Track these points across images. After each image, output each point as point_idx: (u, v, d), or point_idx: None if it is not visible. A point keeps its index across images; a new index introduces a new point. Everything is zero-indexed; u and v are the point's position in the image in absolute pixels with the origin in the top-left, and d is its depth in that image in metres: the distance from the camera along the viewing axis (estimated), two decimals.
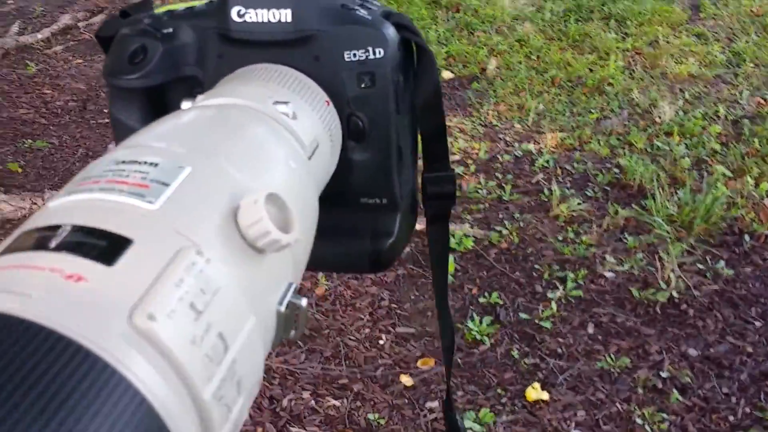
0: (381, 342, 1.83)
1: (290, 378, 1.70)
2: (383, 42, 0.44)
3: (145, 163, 0.29)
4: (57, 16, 3.39)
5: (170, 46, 0.47)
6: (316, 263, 0.42)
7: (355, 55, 0.44)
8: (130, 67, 0.47)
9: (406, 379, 1.73)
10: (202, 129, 0.35)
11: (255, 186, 0.31)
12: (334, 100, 0.44)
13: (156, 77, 0.47)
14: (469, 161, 2.49)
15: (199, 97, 0.40)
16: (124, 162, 0.29)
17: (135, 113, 0.48)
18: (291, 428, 1.60)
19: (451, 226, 2.15)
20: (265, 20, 0.44)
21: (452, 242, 2.10)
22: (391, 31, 0.45)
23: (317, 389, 1.69)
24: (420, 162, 0.49)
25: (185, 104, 0.42)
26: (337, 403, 1.66)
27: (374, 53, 0.44)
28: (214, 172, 0.30)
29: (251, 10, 0.45)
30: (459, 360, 1.79)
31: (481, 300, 1.96)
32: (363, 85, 0.44)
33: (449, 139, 2.53)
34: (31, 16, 3.42)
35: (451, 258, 2.03)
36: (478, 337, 1.85)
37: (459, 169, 2.42)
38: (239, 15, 0.45)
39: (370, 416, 1.64)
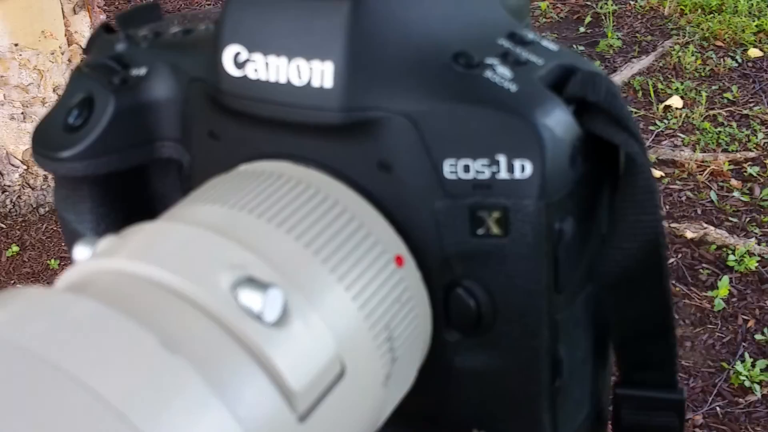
0: None
1: None
2: (531, 144, 0.21)
3: None
4: None
5: (130, 102, 0.26)
6: None
7: (466, 168, 0.22)
8: (65, 136, 0.26)
9: None
10: None
11: None
12: (418, 254, 0.23)
13: (101, 161, 0.26)
14: None
15: (104, 242, 0.20)
16: None
17: (85, 214, 0.28)
18: None
19: (732, 240, 1.81)
20: (283, 80, 0.22)
21: (731, 260, 1.75)
22: (556, 120, 0.21)
23: None
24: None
25: (78, 251, 0.20)
26: None
27: (509, 169, 0.21)
28: None
29: (257, 57, 0.23)
30: (718, 408, 1.47)
31: (758, 337, 1.61)
32: (481, 232, 0.22)
33: (744, 132, 2.15)
34: None
35: (725, 279, 1.69)
36: (747, 383, 1.51)
37: (753, 170, 2.03)
38: (237, 63, 0.23)
39: None
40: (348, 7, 0.22)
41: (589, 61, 0.24)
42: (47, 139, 0.27)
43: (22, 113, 1.89)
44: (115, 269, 0.18)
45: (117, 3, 2.76)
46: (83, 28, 1.99)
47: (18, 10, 1.82)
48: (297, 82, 0.22)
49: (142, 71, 0.26)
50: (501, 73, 0.22)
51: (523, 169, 0.21)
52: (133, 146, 0.27)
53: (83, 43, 1.97)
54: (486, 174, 0.22)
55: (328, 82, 0.22)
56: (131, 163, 0.27)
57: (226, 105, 0.24)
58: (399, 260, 0.22)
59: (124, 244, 0.19)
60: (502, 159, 0.21)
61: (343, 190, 0.22)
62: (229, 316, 0.17)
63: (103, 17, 2.07)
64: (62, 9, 1.90)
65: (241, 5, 0.23)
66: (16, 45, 1.84)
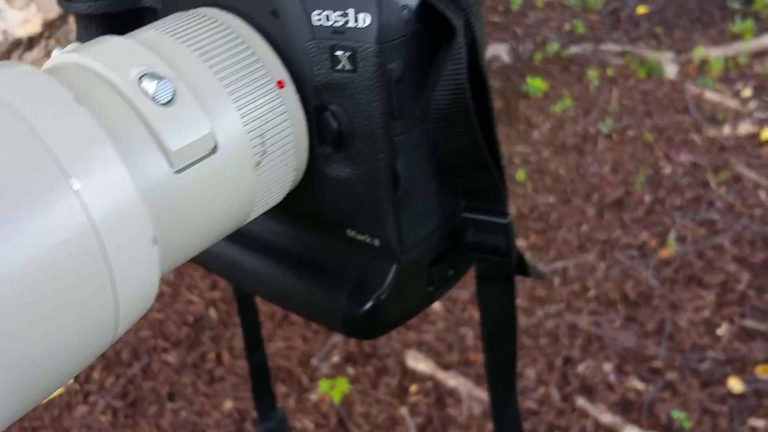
0: (719, 331, 1.54)
1: (595, 343, 1.50)
2: (369, 3, 0.28)
3: None
4: None
5: None
6: (286, 301, 0.35)
7: (327, 17, 0.29)
8: None
9: (734, 383, 1.44)
10: None
11: None
12: (297, 81, 0.30)
13: (98, 3, 0.35)
14: None
15: (69, 47, 0.29)
16: None
17: None
18: (577, 398, 1.41)
19: None
20: None
21: None
22: None
23: (622, 365, 1.47)
24: None
25: (54, 52, 0.29)
26: (640, 386, 1.43)
27: (355, 20, 0.29)
28: None
29: None
30: None
31: None
32: (339, 67, 0.29)
33: None
34: None
35: None
36: None
37: None
38: None
39: (675, 414, 1.39)
40: None
41: None
42: None
43: None
44: (69, 61, 0.27)
45: None
46: None
47: None
48: None
49: None
50: None
51: (365, 20, 0.28)
52: None
53: None
54: (341, 22, 0.29)
55: None
56: (121, 7, 0.35)
57: None
58: (280, 84, 0.29)
59: (81, 47, 0.28)
60: (351, 12, 0.28)
61: (248, 29, 0.30)
62: (131, 94, 0.26)
63: None
64: None
65: None
66: None
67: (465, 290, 1.58)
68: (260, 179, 0.29)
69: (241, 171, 0.28)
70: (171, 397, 1.45)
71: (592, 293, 1.60)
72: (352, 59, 0.29)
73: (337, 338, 1.49)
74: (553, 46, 2.26)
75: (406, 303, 0.33)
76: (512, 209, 1.77)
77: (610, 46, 2.24)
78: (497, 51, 2.23)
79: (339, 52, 0.29)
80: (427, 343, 1.49)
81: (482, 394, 1.42)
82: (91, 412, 1.44)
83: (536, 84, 2.09)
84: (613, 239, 1.70)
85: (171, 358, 1.51)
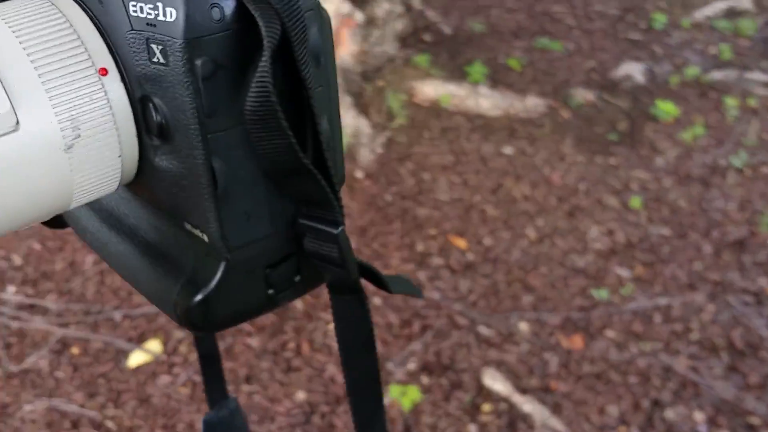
0: None
1: (689, 389, 1.41)
2: None
3: None
4: None
5: None
6: (137, 285, 0.36)
7: (141, 9, 0.29)
8: None
9: None
10: None
11: None
12: (121, 71, 0.30)
13: None
14: None
15: None
16: None
17: None
18: None
19: None
20: None
21: None
22: None
23: (716, 416, 1.37)
24: None
25: None
26: None
27: (164, 13, 0.29)
28: None
29: None
30: None
31: None
32: (155, 60, 0.29)
33: None
34: None
35: None
36: None
37: None
38: None
39: None
40: None
41: None
42: None
43: None
44: None
45: None
46: None
47: None
48: None
49: None
50: None
51: (172, 14, 0.28)
52: None
53: None
54: (152, 15, 0.29)
55: None
56: None
57: None
58: (103, 71, 0.29)
59: None
60: (160, 5, 0.28)
61: (80, 15, 0.30)
62: None
63: None
64: None
65: None
66: None
67: (555, 315, 1.52)
68: (73, 163, 0.29)
69: (47, 152, 0.28)
70: (248, 379, 1.46)
71: (694, 336, 1.50)
72: (164, 53, 0.29)
73: (416, 346, 1.46)
74: (693, 70, 2.13)
75: (240, 302, 0.33)
76: (621, 237, 1.68)
77: (757, 75, 2.10)
78: (630, 70, 2.14)
79: (153, 45, 0.29)
80: (507, 363, 1.44)
81: (558, 424, 1.35)
82: (173, 383, 1.47)
83: (667, 108, 1.98)
84: (728, 281, 1.59)
85: (253, 342, 1.52)
